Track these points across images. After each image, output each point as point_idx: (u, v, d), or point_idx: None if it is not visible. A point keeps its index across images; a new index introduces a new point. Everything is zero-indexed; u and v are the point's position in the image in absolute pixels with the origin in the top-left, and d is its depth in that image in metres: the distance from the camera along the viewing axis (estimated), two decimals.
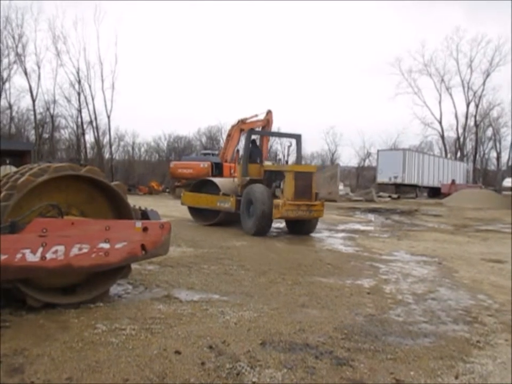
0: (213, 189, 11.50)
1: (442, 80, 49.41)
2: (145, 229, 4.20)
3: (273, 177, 10.53)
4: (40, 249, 3.67)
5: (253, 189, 10.09)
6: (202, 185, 12.29)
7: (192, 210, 12.24)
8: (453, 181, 34.97)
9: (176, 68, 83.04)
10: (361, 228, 12.64)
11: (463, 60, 49.44)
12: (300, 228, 10.54)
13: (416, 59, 50.98)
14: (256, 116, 17.36)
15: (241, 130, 18.03)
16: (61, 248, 3.78)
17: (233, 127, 18.86)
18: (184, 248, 7.66)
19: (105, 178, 4.23)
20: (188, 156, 34.24)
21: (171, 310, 4.15)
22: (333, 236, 10.56)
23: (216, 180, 12.06)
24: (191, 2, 78.13)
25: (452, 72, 49.44)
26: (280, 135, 12.06)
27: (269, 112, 17.01)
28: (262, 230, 9.85)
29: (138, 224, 4.19)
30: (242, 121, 17.93)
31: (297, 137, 11.60)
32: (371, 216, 16.77)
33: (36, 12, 47.05)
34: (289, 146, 14.30)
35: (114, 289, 4.73)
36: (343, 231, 11.60)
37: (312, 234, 10.55)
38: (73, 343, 3.25)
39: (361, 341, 3.58)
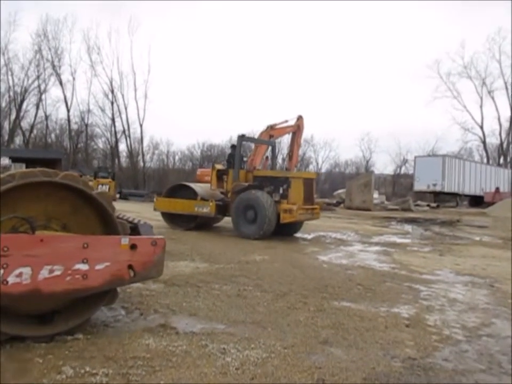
0: (188, 194, 11.55)
1: (484, 83, 47.24)
2: (133, 247, 3.48)
3: (265, 183, 10.74)
4: (1, 272, 3.02)
5: (255, 194, 10.34)
6: (176, 190, 12.06)
7: (166, 216, 11.97)
8: (497, 189, 32.91)
9: (210, 77, 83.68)
10: (398, 240, 11.59)
11: (507, 62, 47.07)
12: (288, 229, 11.04)
13: (456, 61, 49.06)
14: (286, 121, 16.62)
15: (271, 136, 17.38)
16: (26, 270, 3.11)
17: (262, 133, 18.20)
18: (198, 263, 6.94)
19: (86, 186, 3.54)
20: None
21: (161, 346, 3.40)
22: (366, 249, 9.59)
23: (192, 185, 11.96)
24: (224, 12, 78.54)
25: (495, 74, 47.18)
26: (261, 141, 13.10)
27: (299, 118, 16.23)
28: (268, 233, 10.15)
29: (125, 240, 3.48)
30: (271, 127, 17.18)
31: (273, 144, 12.96)
32: (408, 227, 15.63)
33: (70, 24, 48.20)
34: (288, 154, 14.86)
35: (104, 315, 4.04)
36: (377, 244, 10.59)
37: (343, 248, 9.63)
38: None
39: None
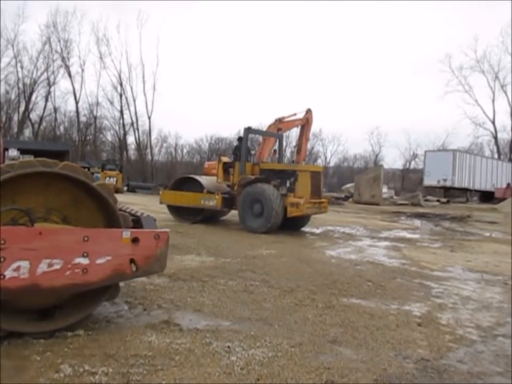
0: (194, 186, 11.42)
1: (497, 77, 46.52)
2: (135, 240, 3.36)
3: (272, 176, 10.62)
4: None
5: (262, 188, 10.16)
6: (182, 183, 11.90)
7: (172, 209, 11.84)
8: (508, 185, 32.43)
9: (219, 69, 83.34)
10: (408, 235, 11.40)
11: None
12: (295, 223, 10.84)
13: (468, 55, 48.38)
14: (295, 114, 16.42)
15: (279, 129, 17.18)
16: (24, 264, 3.01)
17: (270, 126, 17.98)
18: (205, 257, 6.82)
19: (87, 177, 3.41)
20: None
21: (165, 343, 3.28)
22: (375, 244, 9.42)
23: (198, 177, 11.80)
24: (232, 4, 78.06)
25: (508, 68, 46.39)
26: (267, 134, 13.11)
27: (308, 111, 16.00)
28: (275, 227, 9.98)
29: (127, 233, 3.36)
30: (279, 120, 16.95)
31: (280, 137, 12.78)
32: (418, 222, 15.40)
33: (80, 15, 48.14)
34: (295, 147, 14.69)
35: (106, 309, 3.94)
36: (386, 239, 10.41)
37: (352, 242, 9.47)
38: None
39: None
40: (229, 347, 3.27)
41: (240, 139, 11.87)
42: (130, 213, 3.88)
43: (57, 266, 3.11)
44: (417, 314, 4.39)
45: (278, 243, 8.66)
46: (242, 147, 11.14)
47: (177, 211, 11.66)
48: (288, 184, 10.30)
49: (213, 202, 10.74)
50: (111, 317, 3.82)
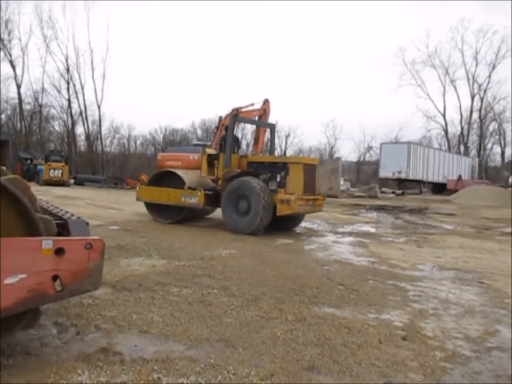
0: (175, 182, 10.32)
1: (447, 72, 47.88)
2: (59, 251, 2.60)
3: (260, 169, 9.60)
4: None
5: (249, 182, 9.10)
6: (161, 178, 10.81)
7: (150, 206, 10.77)
8: (460, 177, 33.43)
9: (172, 61, 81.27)
10: (371, 229, 11.08)
11: (469, 52, 47.96)
12: (287, 223, 9.86)
13: (420, 50, 49.56)
14: (252, 104, 15.80)
15: None
16: None
17: (227, 116, 17.30)
18: (155, 259, 6.06)
19: None
20: (177, 146, 32.61)
21: (99, 383, 2.55)
22: (339, 240, 8.97)
23: (180, 172, 10.61)
24: None
25: (457, 64, 47.92)
26: (258, 123, 11.96)
27: (266, 101, 15.37)
28: (262, 227, 8.94)
29: (47, 243, 2.58)
30: (237, 110, 16.33)
31: (272, 127, 11.61)
32: (379, 215, 15.21)
33: None
34: (287, 136, 13.89)
35: (28, 336, 3.14)
36: (350, 234, 10.01)
37: (315, 239, 8.98)
38: None
39: None
40: None
41: (225, 128, 10.75)
42: (55, 215, 3.09)
43: None
44: (399, 325, 3.88)
45: (238, 241, 8.00)
46: (228, 137, 9.98)
47: (156, 209, 10.56)
48: (278, 179, 9.22)
49: (194, 199, 9.64)
50: (33, 346, 3.02)
